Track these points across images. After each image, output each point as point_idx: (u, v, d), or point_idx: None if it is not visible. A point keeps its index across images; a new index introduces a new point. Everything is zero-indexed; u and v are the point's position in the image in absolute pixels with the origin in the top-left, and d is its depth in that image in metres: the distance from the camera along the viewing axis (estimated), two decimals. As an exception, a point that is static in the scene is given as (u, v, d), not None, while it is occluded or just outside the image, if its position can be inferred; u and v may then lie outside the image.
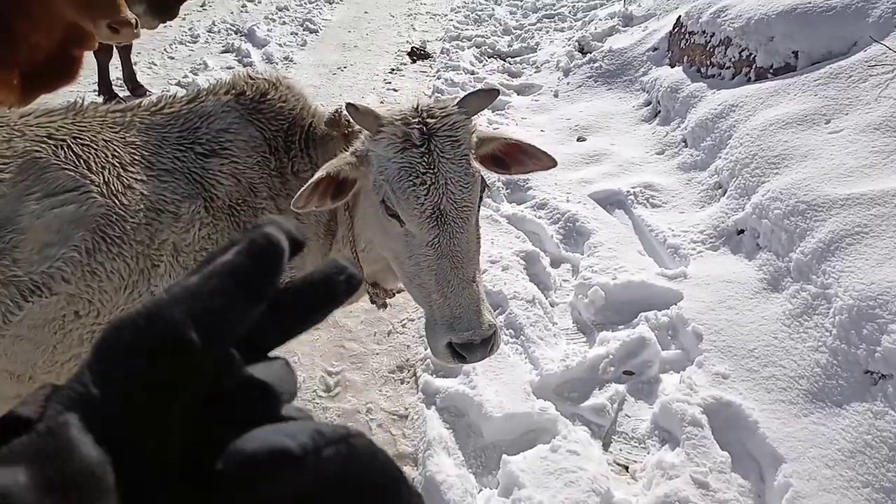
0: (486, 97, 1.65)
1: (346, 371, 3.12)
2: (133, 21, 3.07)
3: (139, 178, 1.58)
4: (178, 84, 6.68)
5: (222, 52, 7.73)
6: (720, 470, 2.40)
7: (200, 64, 7.24)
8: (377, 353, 3.25)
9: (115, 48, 5.88)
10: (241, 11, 9.34)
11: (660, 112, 5.35)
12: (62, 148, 1.52)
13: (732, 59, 4.74)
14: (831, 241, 2.89)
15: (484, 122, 5.18)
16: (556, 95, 6.33)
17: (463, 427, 2.76)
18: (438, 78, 6.89)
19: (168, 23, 5.11)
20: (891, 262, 2.62)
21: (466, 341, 1.47)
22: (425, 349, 3.20)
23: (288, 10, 9.45)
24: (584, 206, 4.26)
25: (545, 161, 1.72)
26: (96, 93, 6.02)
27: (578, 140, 5.30)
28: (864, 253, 2.74)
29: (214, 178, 1.66)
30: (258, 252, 0.35)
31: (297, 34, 8.57)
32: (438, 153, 1.50)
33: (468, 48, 7.89)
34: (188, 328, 0.32)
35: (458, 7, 9.75)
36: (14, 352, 1.45)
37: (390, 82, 7.15)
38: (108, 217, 1.50)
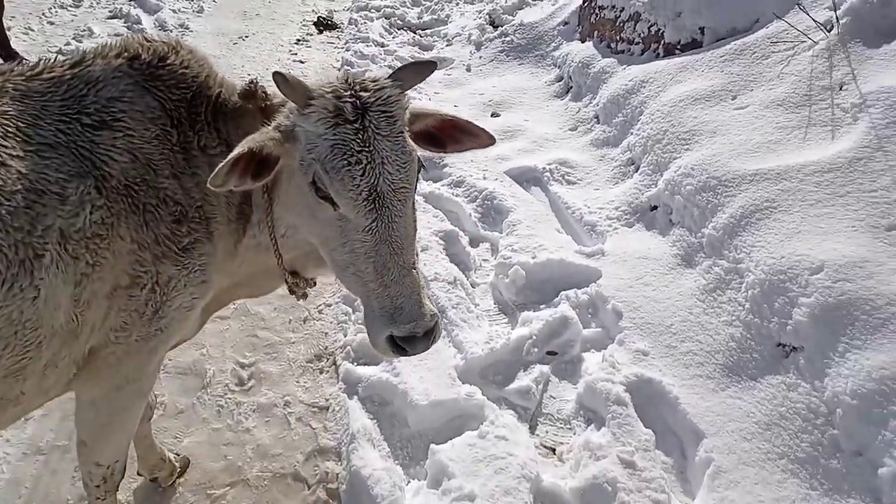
0: (421, 69, 1.53)
1: (260, 362, 2.95)
2: None
3: (14, 153, 1.35)
4: (60, 52, 6.12)
5: (109, 18, 7.15)
6: (645, 448, 2.42)
7: (84, 30, 6.67)
8: (293, 342, 3.09)
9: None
10: (130, -26, 8.67)
11: (571, 88, 5.36)
12: None
13: (641, 35, 4.80)
14: (741, 216, 2.96)
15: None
16: (468, 70, 6.24)
17: (387, 417, 2.66)
18: (347, 50, 6.66)
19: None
20: (799, 236, 2.71)
21: (408, 334, 1.39)
22: (344, 336, 3.08)
23: (181, -27, 8.86)
24: (500, 184, 4.21)
25: (483, 138, 1.62)
26: (-36, 61, 5.42)
27: (493, 115, 5.24)
28: (773, 227, 2.82)
29: (107, 154, 1.46)
30: None
31: (192, 0, 8.05)
32: (374, 130, 1.39)
33: (377, 19, 7.67)
34: None
35: (365, -25, 9.44)
36: None
37: (296, 53, 6.85)
38: None
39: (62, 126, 1.44)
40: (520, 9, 7.21)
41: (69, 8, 7.34)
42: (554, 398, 2.81)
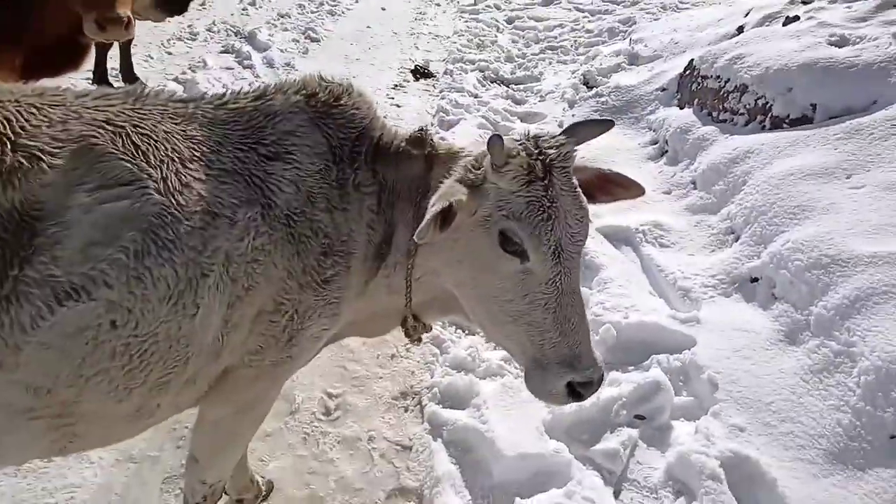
0: (598, 127, 1.58)
1: (347, 394, 2.97)
2: (124, 19, 2.92)
3: (198, 176, 1.43)
4: (176, 80, 6.50)
5: (221, 52, 7.56)
6: (742, 529, 2.29)
7: (199, 62, 7.07)
8: (380, 378, 3.10)
9: (116, 37, 5.70)
10: (242, 14, 9.20)
11: (667, 151, 5.32)
12: (121, 136, 1.37)
13: (747, 106, 4.74)
14: (857, 297, 2.83)
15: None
16: (560, 126, 6.29)
17: (470, 464, 2.62)
18: (442, 98, 6.83)
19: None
20: (920, 325, 2.57)
21: (587, 380, 1.46)
22: (431, 377, 3.07)
23: (289, 17, 9.34)
24: (592, 240, 4.17)
25: (634, 190, 1.66)
26: (90, 81, 5.81)
27: (584, 173, 5.23)
28: (892, 313, 2.69)
29: (276, 184, 1.52)
30: None
31: (298, 41, 8.46)
32: (559, 186, 1.47)
33: (471, 71, 7.85)
34: None
35: (461, 31, 9.73)
36: (37, 361, 1.27)
37: (393, 97, 7.06)
38: (163, 217, 1.34)
39: (240, 154, 1.53)
40: (615, 72, 7.25)
41: (186, 40, 7.82)
42: (640, 464, 2.71)
